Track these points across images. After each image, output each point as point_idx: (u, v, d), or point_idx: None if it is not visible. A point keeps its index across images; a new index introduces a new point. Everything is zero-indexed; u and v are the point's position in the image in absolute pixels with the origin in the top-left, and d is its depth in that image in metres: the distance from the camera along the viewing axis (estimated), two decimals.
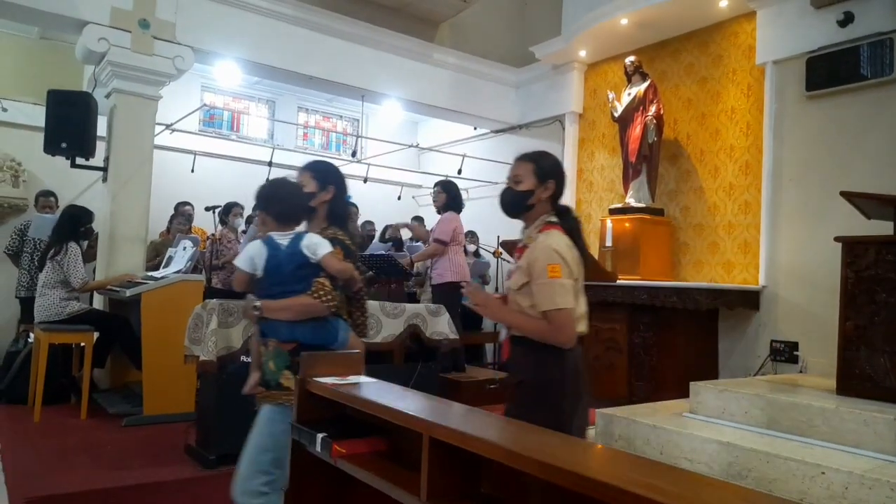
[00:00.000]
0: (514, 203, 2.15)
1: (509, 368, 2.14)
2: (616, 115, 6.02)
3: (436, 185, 5.60)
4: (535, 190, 2.11)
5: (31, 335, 4.83)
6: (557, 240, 2.03)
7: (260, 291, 2.14)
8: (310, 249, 2.12)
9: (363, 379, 1.90)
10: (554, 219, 2.11)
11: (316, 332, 2.12)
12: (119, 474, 3.11)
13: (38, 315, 4.49)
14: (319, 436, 1.66)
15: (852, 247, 3.38)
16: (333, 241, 2.21)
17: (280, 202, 2.19)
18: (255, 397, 2.16)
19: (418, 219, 7.62)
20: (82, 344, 4.54)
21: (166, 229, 6.58)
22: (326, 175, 2.37)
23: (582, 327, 2.07)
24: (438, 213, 5.48)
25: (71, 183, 6.41)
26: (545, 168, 2.13)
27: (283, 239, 2.15)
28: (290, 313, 2.08)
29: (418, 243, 6.70)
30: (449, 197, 5.39)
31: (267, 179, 2.37)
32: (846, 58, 4.69)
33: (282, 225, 2.17)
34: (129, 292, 4.32)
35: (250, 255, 2.13)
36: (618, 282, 5.01)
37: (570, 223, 2.13)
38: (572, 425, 2.01)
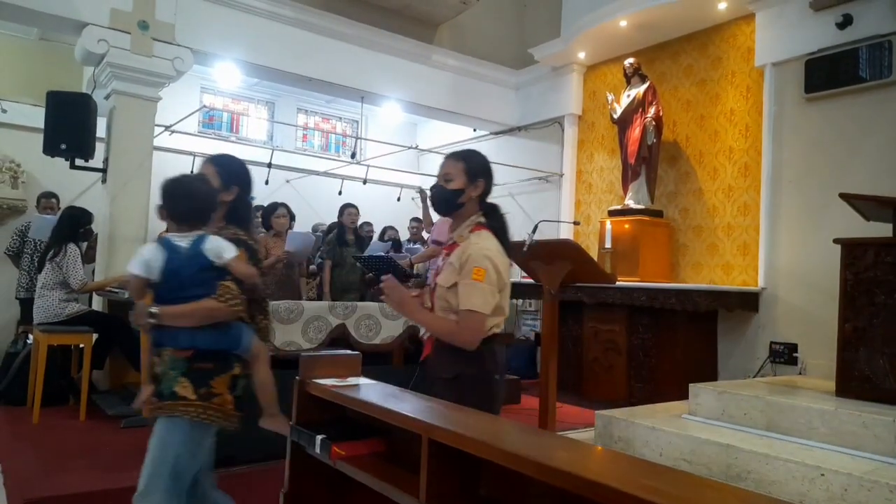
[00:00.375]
0: (446, 201, 2.18)
1: (433, 364, 2.12)
2: (615, 116, 6.02)
3: (432, 188, 5.59)
4: (465, 189, 2.14)
5: (30, 336, 4.82)
6: (491, 243, 2.07)
7: (157, 298, 1.98)
8: (214, 253, 1.99)
9: (362, 380, 1.91)
10: (483, 219, 2.15)
11: (218, 338, 1.99)
12: (118, 476, 3.10)
13: (37, 316, 4.48)
14: (319, 437, 1.66)
15: (851, 249, 3.38)
16: (237, 242, 2.10)
17: (180, 201, 2.04)
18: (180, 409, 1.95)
19: (417, 220, 7.62)
20: (81, 345, 4.53)
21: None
22: (231, 173, 2.27)
23: (498, 328, 2.11)
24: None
25: (70, 184, 6.40)
26: (475, 167, 2.16)
27: (182, 241, 2.00)
28: (192, 319, 1.94)
29: (417, 245, 6.69)
30: None
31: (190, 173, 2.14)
32: (845, 60, 4.70)
33: (182, 225, 2.03)
34: (128, 293, 4.31)
35: (145, 259, 1.96)
36: (617, 283, 5.01)
37: (497, 222, 2.17)
38: (498, 410, 2.12)
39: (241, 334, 2.05)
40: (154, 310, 1.93)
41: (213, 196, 2.11)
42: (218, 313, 1.95)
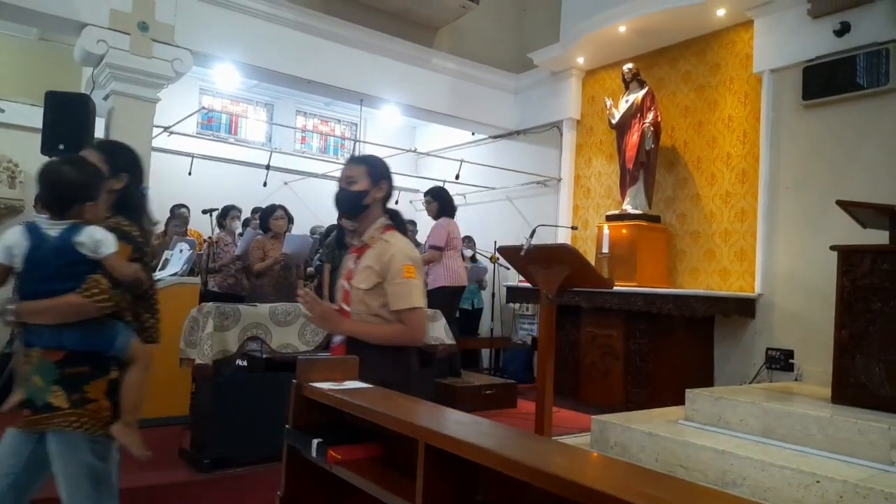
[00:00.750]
0: (351, 203, 2.19)
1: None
2: (614, 121, 6.04)
3: (426, 194, 5.61)
4: (369, 190, 2.16)
5: None
6: (407, 243, 2.14)
7: (20, 289, 1.81)
8: (89, 246, 1.81)
9: (360, 384, 1.90)
10: (390, 221, 2.20)
11: (87, 338, 1.82)
12: None
13: None
14: (315, 441, 1.65)
15: (848, 255, 3.39)
16: (121, 234, 1.93)
17: (48, 187, 1.85)
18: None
19: (411, 222, 7.63)
20: None
21: (162, 232, 6.56)
22: (118, 160, 2.10)
23: None
24: (435, 219, 5.49)
25: None
26: (377, 170, 2.20)
27: (52, 229, 1.81)
28: (53, 316, 1.76)
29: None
30: (440, 204, 5.41)
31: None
32: (843, 67, 4.72)
33: (53, 213, 1.85)
34: None
35: (7, 244, 1.79)
36: (614, 288, 5.01)
37: (400, 226, 2.23)
38: None
39: (115, 334, 1.89)
40: (11, 305, 1.77)
41: (86, 182, 1.88)
42: (82, 310, 1.78)
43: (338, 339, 2.18)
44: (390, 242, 2.10)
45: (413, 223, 7.66)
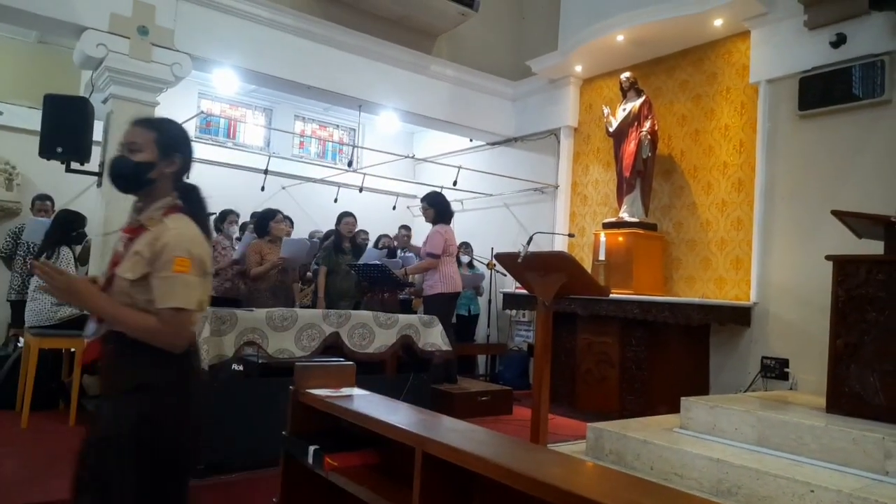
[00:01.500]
0: (131, 176, 1.78)
1: (108, 372, 1.78)
2: (611, 129, 6.06)
3: (422, 199, 5.61)
4: (155, 163, 1.79)
5: (21, 339, 4.79)
6: (191, 230, 1.77)
7: None
8: None
9: (356, 391, 1.91)
10: (179, 202, 1.83)
11: None
12: None
13: (29, 319, 4.46)
14: (312, 448, 1.66)
15: (843, 265, 3.41)
16: None
17: None
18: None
19: (406, 228, 7.65)
20: (72, 349, 4.51)
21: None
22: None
23: (195, 327, 1.83)
24: (432, 225, 5.50)
25: (65, 187, 6.38)
26: (170, 139, 1.83)
27: None
28: None
29: (410, 254, 6.71)
30: (436, 210, 5.41)
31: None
32: (838, 78, 4.75)
33: None
34: None
35: None
36: (610, 296, 5.03)
37: (196, 207, 1.86)
38: (200, 423, 1.83)
39: None
40: None
41: None
42: None
43: (90, 330, 1.78)
44: (168, 227, 1.72)
45: (407, 228, 7.68)
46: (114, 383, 1.74)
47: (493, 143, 8.01)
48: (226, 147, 8.28)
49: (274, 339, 3.58)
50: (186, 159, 1.87)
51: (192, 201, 1.85)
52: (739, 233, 5.47)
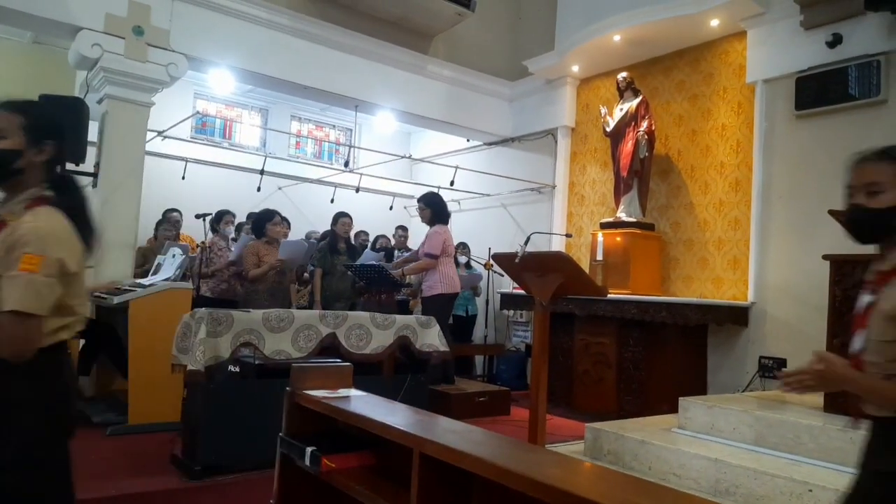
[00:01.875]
0: None
1: None
2: (608, 129, 6.06)
3: (419, 200, 5.58)
4: (23, 151, 1.61)
5: None
6: (53, 224, 1.56)
7: None
8: None
9: (353, 392, 1.90)
10: (48, 193, 1.64)
11: None
12: (102, 484, 3.06)
13: None
14: (309, 449, 1.65)
15: (840, 265, 3.42)
16: None
17: None
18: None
19: (402, 228, 7.64)
20: (67, 351, 4.49)
21: (153, 235, 6.54)
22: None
23: (68, 333, 1.66)
24: (429, 226, 5.48)
25: None
26: (40, 124, 1.65)
27: None
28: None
29: (406, 254, 6.69)
30: (434, 211, 5.39)
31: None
32: (835, 78, 4.76)
33: None
34: (116, 299, 4.28)
35: None
36: (608, 296, 5.03)
37: (72, 199, 1.67)
38: (67, 440, 1.65)
39: None
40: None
41: None
42: None
43: None
44: (24, 221, 1.55)
45: (404, 228, 7.67)
46: None
47: (490, 144, 8.01)
48: (222, 147, 8.26)
49: (270, 340, 3.57)
50: (59, 147, 1.68)
51: (68, 194, 1.67)
52: (737, 233, 5.47)
